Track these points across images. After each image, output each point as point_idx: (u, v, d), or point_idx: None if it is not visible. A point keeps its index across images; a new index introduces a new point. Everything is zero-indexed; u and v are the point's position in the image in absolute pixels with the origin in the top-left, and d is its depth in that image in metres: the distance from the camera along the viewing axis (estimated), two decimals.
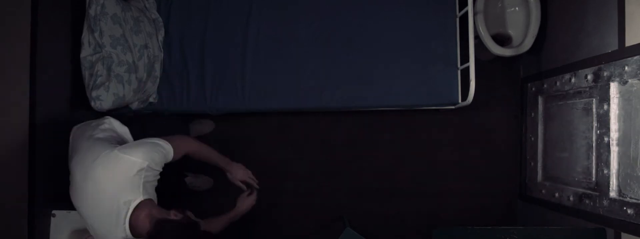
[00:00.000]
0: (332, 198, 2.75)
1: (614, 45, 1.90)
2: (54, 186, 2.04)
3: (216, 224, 1.90)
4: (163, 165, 1.64)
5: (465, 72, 2.22)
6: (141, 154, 1.54)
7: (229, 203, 2.05)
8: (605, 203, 1.92)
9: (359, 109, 2.53)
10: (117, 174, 1.51)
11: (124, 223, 1.49)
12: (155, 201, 1.59)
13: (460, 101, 2.32)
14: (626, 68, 1.82)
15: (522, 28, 2.47)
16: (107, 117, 1.90)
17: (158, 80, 2.38)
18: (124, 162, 1.52)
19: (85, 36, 2.09)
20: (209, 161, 1.90)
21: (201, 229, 1.53)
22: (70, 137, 1.84)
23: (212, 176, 2.72)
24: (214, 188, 2.71)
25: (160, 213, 1.52)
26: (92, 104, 2.08)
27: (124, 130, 1.86)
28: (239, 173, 1.95)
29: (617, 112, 1.89)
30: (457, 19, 2.35)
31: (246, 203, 1.99)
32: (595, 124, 2.00)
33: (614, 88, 1.89)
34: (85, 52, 2.09)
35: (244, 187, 1.97)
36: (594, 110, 2.01)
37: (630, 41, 1.81)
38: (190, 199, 2.69)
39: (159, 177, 1.64)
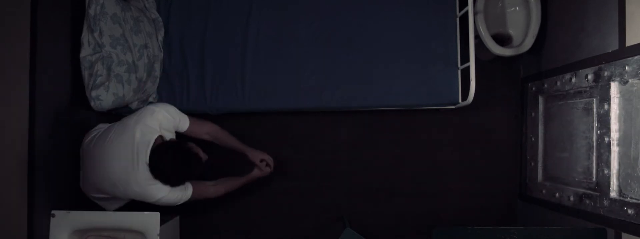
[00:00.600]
0: (332, 198, 2.74)
1: (614, 45, 1.90)
2: (53, 187, 2.05)
3: (230, 183, 2.21)
4: (176, 124, 1.98)
5: (466, 72, 2.21)
6: (158, 104, 1.98)
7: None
8: (605, 203, 1.91)
9: (359, 109, 2.53)
10: (143, 118, 1.88)
11: (147, 151, 1.83)
12: None
13: (460, 101, 2.32)
14: (627, 68, 1.81)
15: (523, 28, 2.47)
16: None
17: (158, 80, 2.38)
18: (145, 109, 1.93)
19: (85, 36, 2.09)
20: (230, 144, 2.18)
21: (189, 146, 1.88)
22: (84, 148, 2.05)
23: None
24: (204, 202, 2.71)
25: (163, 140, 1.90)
26: (92, 104, 2.08)
27: None
28: (257, 154, 2.22)
29: (617, 112, 1.88)
30: (457, 19, 2.35)
31: (261, 171, 2.25)
32: (595, 124, 2.00)
33: (614, 88, 1.89)
34: (85, 52, 2.09)
35: (261, 165, 2.24)
36: (595, 110, 2.01)
37: (630, 41, 1.81)
38: None
39: (174, 134, 1.99)
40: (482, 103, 2.43)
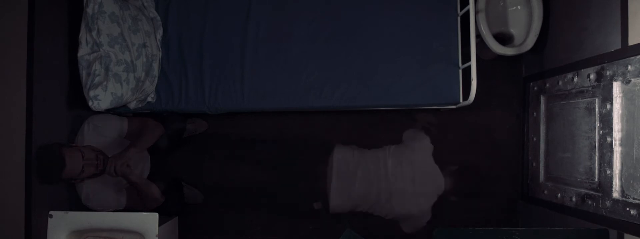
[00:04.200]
0: (332, 198, 2.73)
1: (616, 45, 1.88)
2: (51, 187, 2.03)
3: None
4: (116, 129, 2.19)
5: (467, 72, 2.20)
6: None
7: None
8: (608, 203, 1.90)
9: (359, 109, 2.52)
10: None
11: None
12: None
13: (461, 100, 2.30)
14: (629, 67, 1.80)
15: (524, 27, 2.45)
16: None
17: (156, 79, 2.36)
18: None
19: (83, 35, 2.07)
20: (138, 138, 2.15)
21: (61, 152, 1.90)
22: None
23: (203, 192, 2.72)
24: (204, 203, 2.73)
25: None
26: (90, 104, 2.06)
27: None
28: (116, 158, 2.03)
29: (620, 112, 1.87)
30: (459, 18, 2.33)
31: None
32: (597, 124, 1.99)
33: (616, 88, 1.88)
34: (83, 51, 2.07)
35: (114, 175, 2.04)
36: (597, 110, 1.99)
37: (633, 40, 1.80)
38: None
39: (109, 137, 2.16)
40: (483, 103, 2.42)
